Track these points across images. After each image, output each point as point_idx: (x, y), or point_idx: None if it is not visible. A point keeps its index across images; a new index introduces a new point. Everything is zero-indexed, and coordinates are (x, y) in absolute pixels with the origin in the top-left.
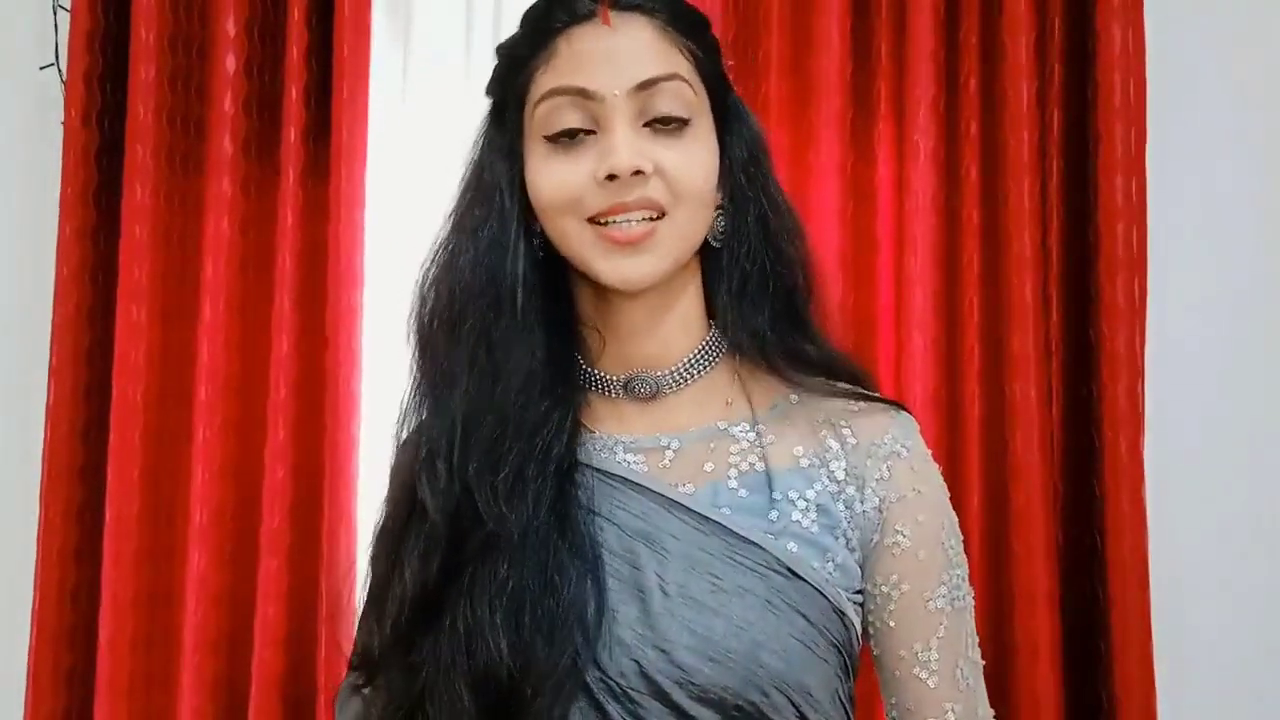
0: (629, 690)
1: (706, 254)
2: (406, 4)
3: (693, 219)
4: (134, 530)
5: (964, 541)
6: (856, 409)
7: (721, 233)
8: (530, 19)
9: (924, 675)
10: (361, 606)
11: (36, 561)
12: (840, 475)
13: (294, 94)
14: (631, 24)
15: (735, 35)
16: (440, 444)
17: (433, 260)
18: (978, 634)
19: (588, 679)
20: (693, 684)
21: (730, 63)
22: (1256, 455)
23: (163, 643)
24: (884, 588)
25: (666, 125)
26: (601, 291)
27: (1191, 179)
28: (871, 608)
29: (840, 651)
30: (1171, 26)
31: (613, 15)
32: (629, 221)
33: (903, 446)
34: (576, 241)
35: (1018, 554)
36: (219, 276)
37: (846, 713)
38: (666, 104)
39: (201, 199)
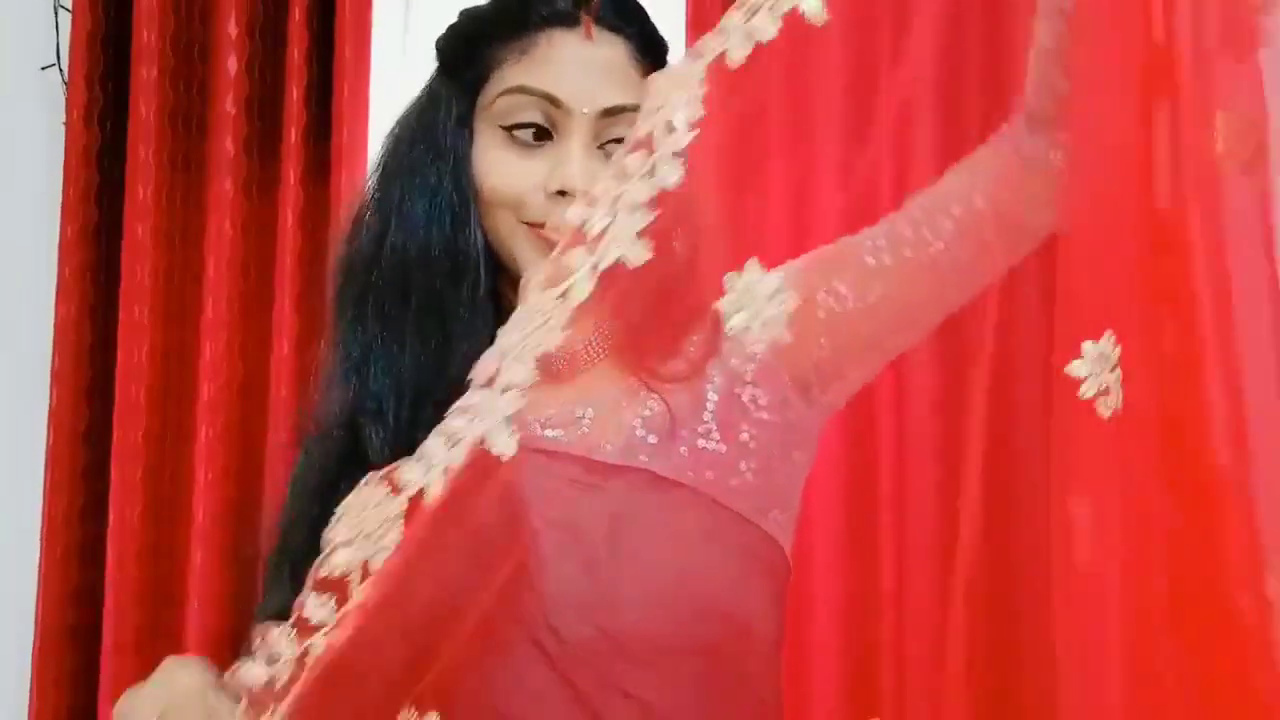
0: (591, 657)
1: None
2: (406, 4)
3: None
4: (137, 530)
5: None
6: None
7: None
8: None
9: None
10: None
11: (40, 561)
12: (730, 363)
13: (295, 94)
14: (610, 43)
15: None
16: (388, 400)
17: (374, 210)
18: (980, 637)
19: (550, 651)
20: (649, 639)
21: None
22: (1260, 454)
23: (166, 642)
24: (821, 339)
25: None
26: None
27: None
28: (825, 341)
29: (774, 578)
30: None
31: (595, 29)
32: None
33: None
34: (506, 233)
35: (1019, 554)
36: (220, 276)
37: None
38: (624, 134)
39: (203, 199)
